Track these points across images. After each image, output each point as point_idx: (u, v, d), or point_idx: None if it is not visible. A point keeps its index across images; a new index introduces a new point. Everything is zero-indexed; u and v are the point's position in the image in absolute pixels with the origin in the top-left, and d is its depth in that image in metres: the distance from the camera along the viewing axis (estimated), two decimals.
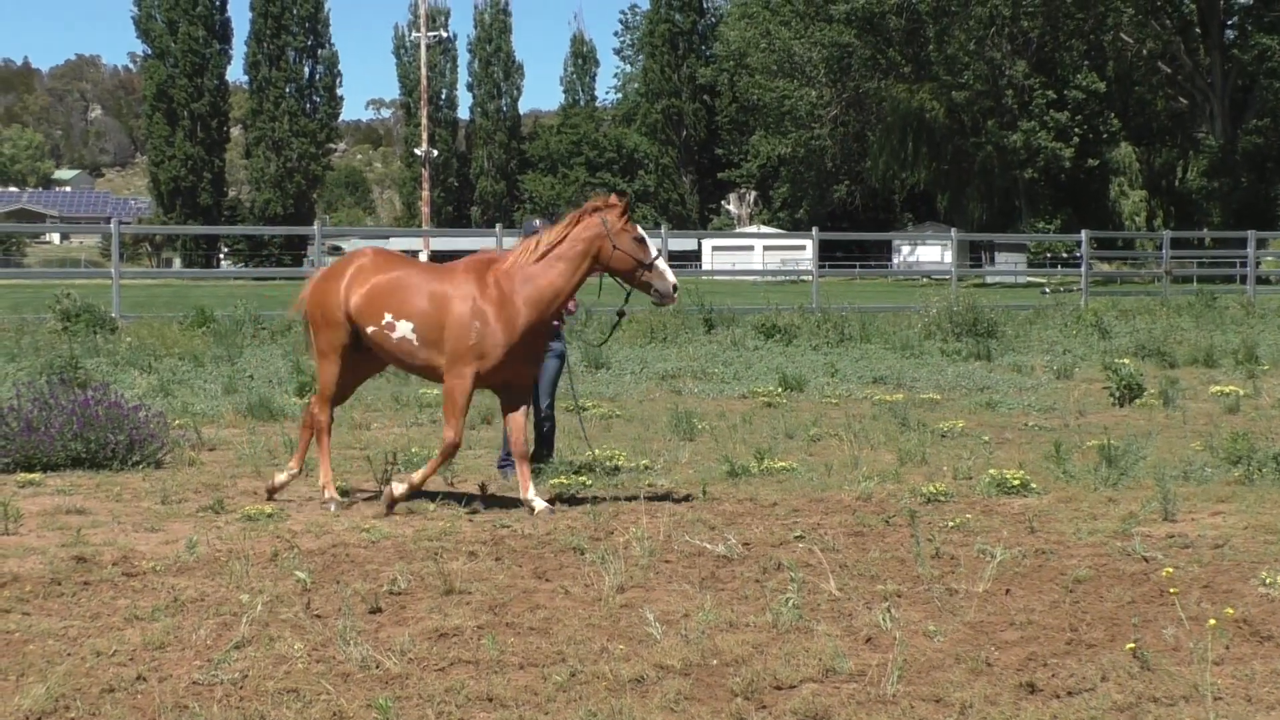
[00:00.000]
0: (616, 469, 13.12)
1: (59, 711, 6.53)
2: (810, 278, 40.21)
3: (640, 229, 11.68)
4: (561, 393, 14.14)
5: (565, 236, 11.57)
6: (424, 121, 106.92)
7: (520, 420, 11.66)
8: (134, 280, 57.80)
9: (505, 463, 12.81)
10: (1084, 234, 43.02)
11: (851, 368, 22.88)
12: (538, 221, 12.84)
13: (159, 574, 9.15)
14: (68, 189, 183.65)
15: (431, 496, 11.61)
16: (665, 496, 11.91)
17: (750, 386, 20.30)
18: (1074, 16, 78.36)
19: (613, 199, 11.76)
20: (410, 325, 11.51)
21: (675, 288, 11.64)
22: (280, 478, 12.02)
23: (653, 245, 11.70)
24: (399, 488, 11.28)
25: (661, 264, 11.61)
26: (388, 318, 11.56)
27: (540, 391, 13.09)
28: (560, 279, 11.51)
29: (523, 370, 11.69)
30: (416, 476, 11.43)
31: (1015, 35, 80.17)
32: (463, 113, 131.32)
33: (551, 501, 11.50)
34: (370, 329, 11.66)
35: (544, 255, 11.54)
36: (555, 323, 12.55)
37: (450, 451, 11.59)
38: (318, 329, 11.97)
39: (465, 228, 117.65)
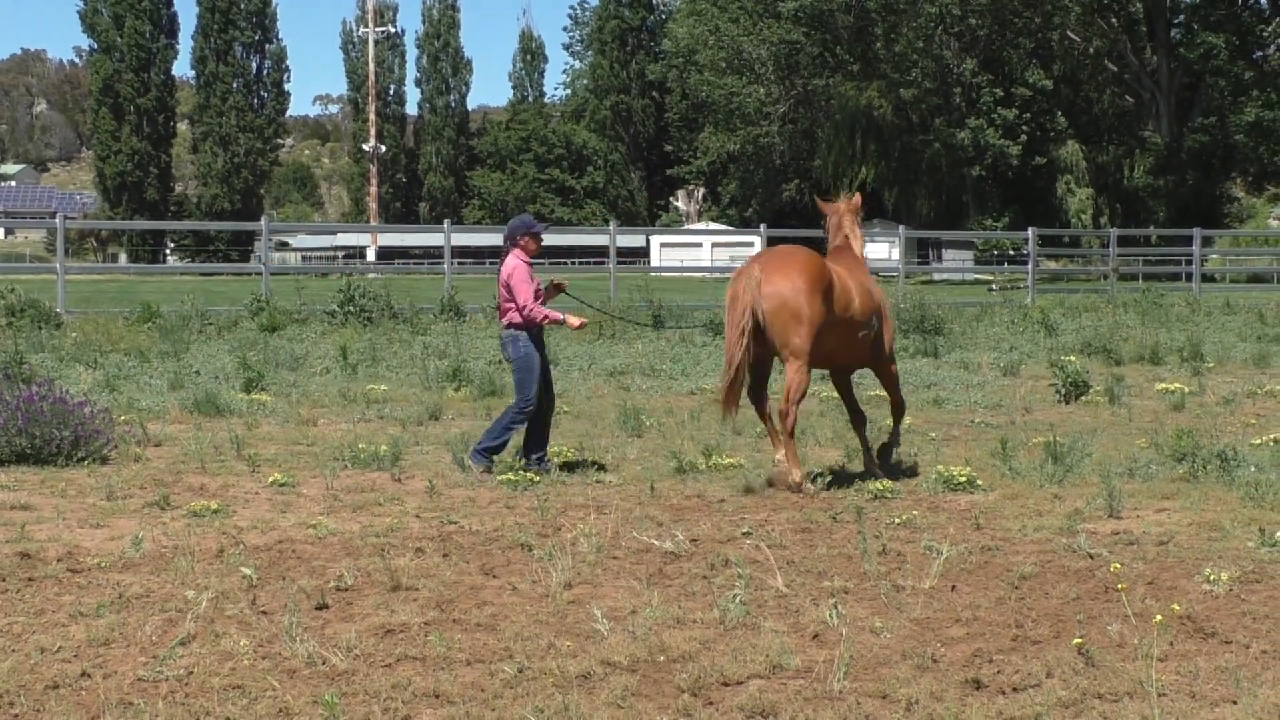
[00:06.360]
0: (566, 465, 13.12)
1: (2, 708, 6.47)
2: None
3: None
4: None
5: None
6: (372, 117, 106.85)
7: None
8: (79, 275, 57.41)
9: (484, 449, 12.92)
10: (1031, 231, 43.16)
11: None
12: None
13: (104, 570, 9.09)
14: (12, 184, 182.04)
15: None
16: (613, 493, 11.91)
17: (699, 383, 20.31)
18: (1021, 15, 78.60)
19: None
20: None
21: None
22: None
23: None
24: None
25: None
26: None
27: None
28: None
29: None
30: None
31: (963, 33, 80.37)
32: (411, 108, 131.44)
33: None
34: None
35: None
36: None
37: None
38: None
39: (414, 223, 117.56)
